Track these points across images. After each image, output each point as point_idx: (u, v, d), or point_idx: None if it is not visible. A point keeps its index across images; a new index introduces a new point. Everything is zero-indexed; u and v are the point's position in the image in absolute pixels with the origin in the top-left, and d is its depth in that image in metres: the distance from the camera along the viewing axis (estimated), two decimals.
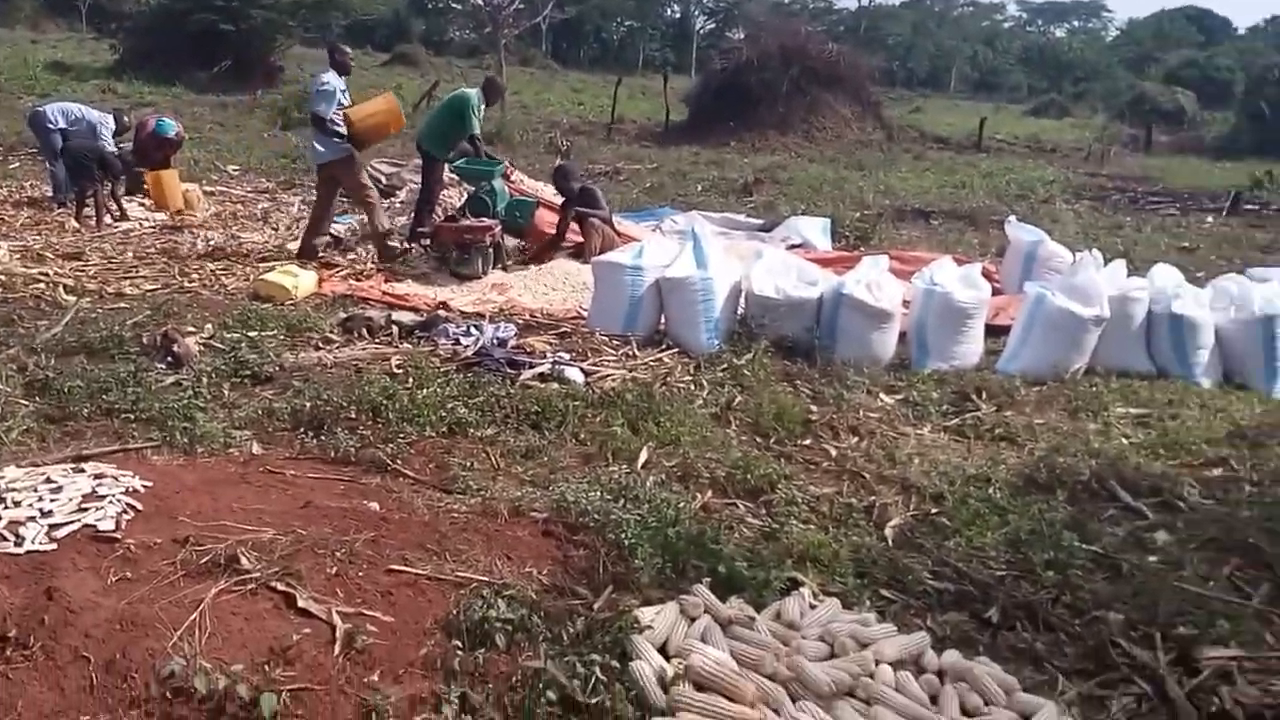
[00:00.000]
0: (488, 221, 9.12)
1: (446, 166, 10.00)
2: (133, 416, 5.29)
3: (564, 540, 4.15)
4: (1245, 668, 3.98)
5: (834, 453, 5.77)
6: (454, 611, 3.42)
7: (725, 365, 6.92)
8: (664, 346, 7.31)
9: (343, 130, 9.00)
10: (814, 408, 6.32)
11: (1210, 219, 15.43)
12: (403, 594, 3.48)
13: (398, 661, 3.17)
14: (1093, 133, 27.79)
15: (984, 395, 6.84)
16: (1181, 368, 7.54)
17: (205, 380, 5.83)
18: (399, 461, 4.92)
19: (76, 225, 10.36)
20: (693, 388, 6.55)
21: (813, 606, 3.93)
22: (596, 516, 4.31)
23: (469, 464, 4.97)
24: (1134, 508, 5.39)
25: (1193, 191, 18.26)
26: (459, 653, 3.23)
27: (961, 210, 14.35)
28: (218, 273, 8.80)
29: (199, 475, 4.44)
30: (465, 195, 9.98)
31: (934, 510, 5.14)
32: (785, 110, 21.99)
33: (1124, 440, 6.35)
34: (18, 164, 13.80)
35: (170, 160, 12.01)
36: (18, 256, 8.85)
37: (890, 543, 4.78)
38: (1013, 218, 10.73)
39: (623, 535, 4.13)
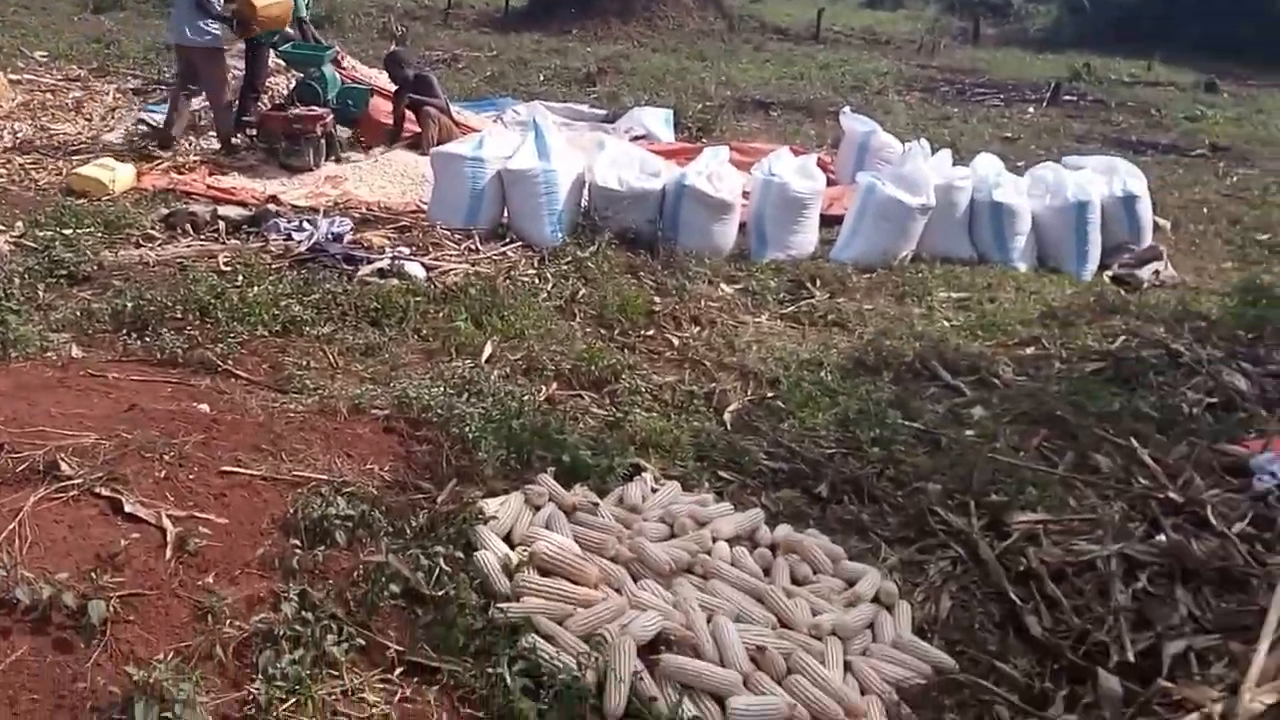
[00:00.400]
0: (318, 110, 8.72)
1: (272, 51, 9.48)
2: None
3: (406, 436, 4.12)
4: (1050, 530, 4.31)
5: (676, 342, 5.88)
6: (291, 510, 3.37)
7: (569, 258, 6.90)
8: (507, 240, 7.23)
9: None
10: (657, 299, 6.40)
11: (1031, 109, 16.03)
12: (237, 495, 3.41)
13: (233, 563, 3.12)
14: (924, 25, 28.26)
15: (818, 283, 7.05)
16: (1000, 253, 7.92)
17: (18, 281, 5.44)
18: (230, 362, 4.77)
19: None
20: (537, 281, 6.53)
21: (654, 490, 4.05)
22: (439, 412, 4.29)
23: (305, 363, 4.85)
24: (953, 386, 5.70)
25: (1016, 83, 18.88)
26: (298, 551, 3.20)
27: (799, 101, 14.51)
28: (27, 167, 8.16)
29: (12, 380, 4.20)
30: (293, 82, 9.50)
31: (770, 394, 5.33)
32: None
33: (946, 323, 6.68)
34: None
35: None
36: None
37: (729, 427, 4.94)
38: (847, 109, 10.93)
39: (466, 429, 4.14)
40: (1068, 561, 4.07)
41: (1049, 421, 5.32)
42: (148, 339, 4.89)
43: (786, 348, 5.99)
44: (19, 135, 9.25)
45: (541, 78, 15.19)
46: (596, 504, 3.78)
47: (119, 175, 7.63)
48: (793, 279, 7.12)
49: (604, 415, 4.83)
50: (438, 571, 3.17)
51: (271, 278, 5.88)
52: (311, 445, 3.83)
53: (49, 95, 11.01)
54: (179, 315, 5.16)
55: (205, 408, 4.04)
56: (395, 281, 6.04)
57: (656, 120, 11.59)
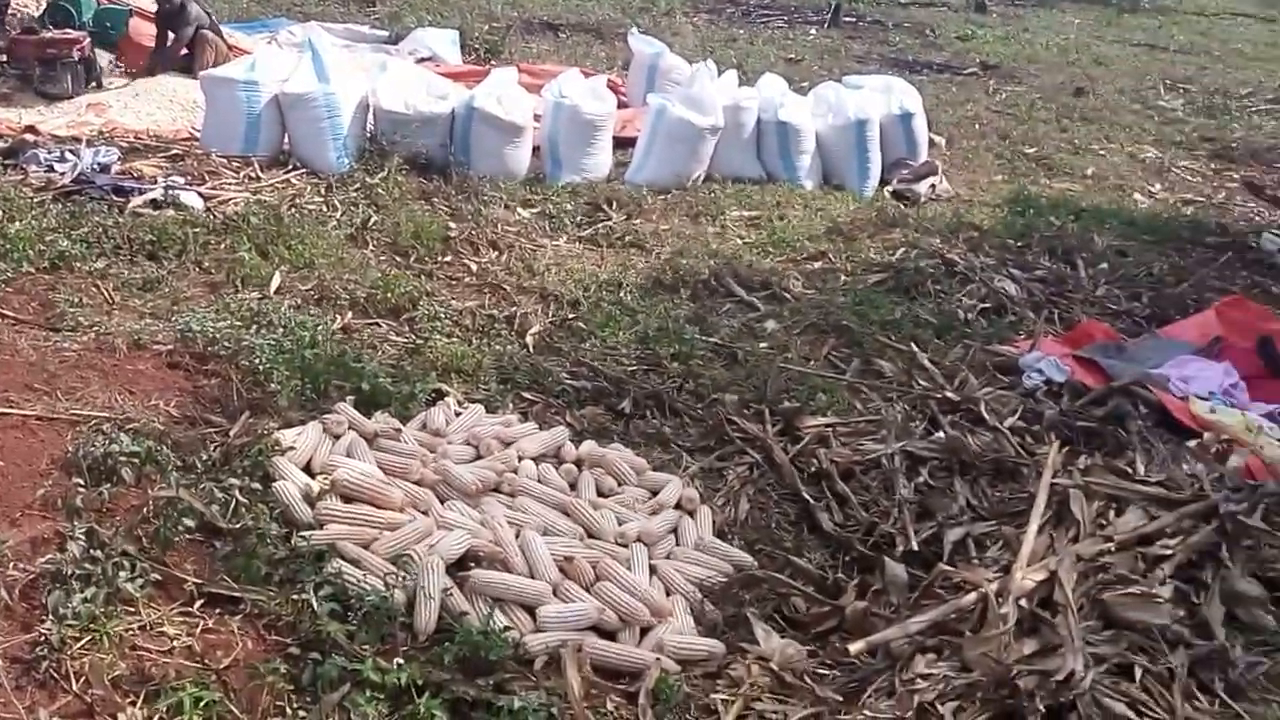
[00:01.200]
0: (73, 33, 8.08)
1: None
2: None
3: (193, 371, 3.99)
4: (839, 432, 4.60)
5: (475, 267, 5.87)
6: (72, 449, 3.23)
7: (358, 185, 6.72)
8: (290, 167, 6.97)
9: None
10: (452, 224, 6.35)
11: (814, 31, 16.52)
12: (10, 437, 3.23)
13: (12, 505, 2.97)
14: None
15: (614, 205, 7.14)
16: (787, 171, 8.21)
17: None
18: None
19: None
20: (325, 209, 6.34)
21: (458, 414, 4.08)
22: (227, 345, 4.17)
23: (78, 300, 4.58)
24: (747, 301, 5.94)
25: (799, 5, 19.37)
26: (81, 490, 3.07)
27: (588, 23, 14.45)
28: None
29: None
30: (44, 3, 8.75)
31: (571, 316, 5.41)
32: None
33: (739, 240, 6.92)
34: None
35: None
36: None
37: (531, 349, 5.00)
38: (635, 31, 10.99)
39: (257, 361, 4.03)
40: (856, 461, 4.36)
41: (836, 331, 5.63)
42: None
43: (586, 269, 6.07)
44: None
45: None
46: (399, 430, 3.78)
47: None
48: (589, 201, 7.18)
49: (403, 342, 4.80)
50: (234, 504, 3.11)
51: (34, 212, 5.48)
52: (89, 383, 3.65)
53: None
54: None
55: None
56: (171, 212, 5.75)
57: (442, 41, 11.31)
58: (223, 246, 5.51)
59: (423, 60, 10.79)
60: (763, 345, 5.40)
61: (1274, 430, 4.96)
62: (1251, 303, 6.48)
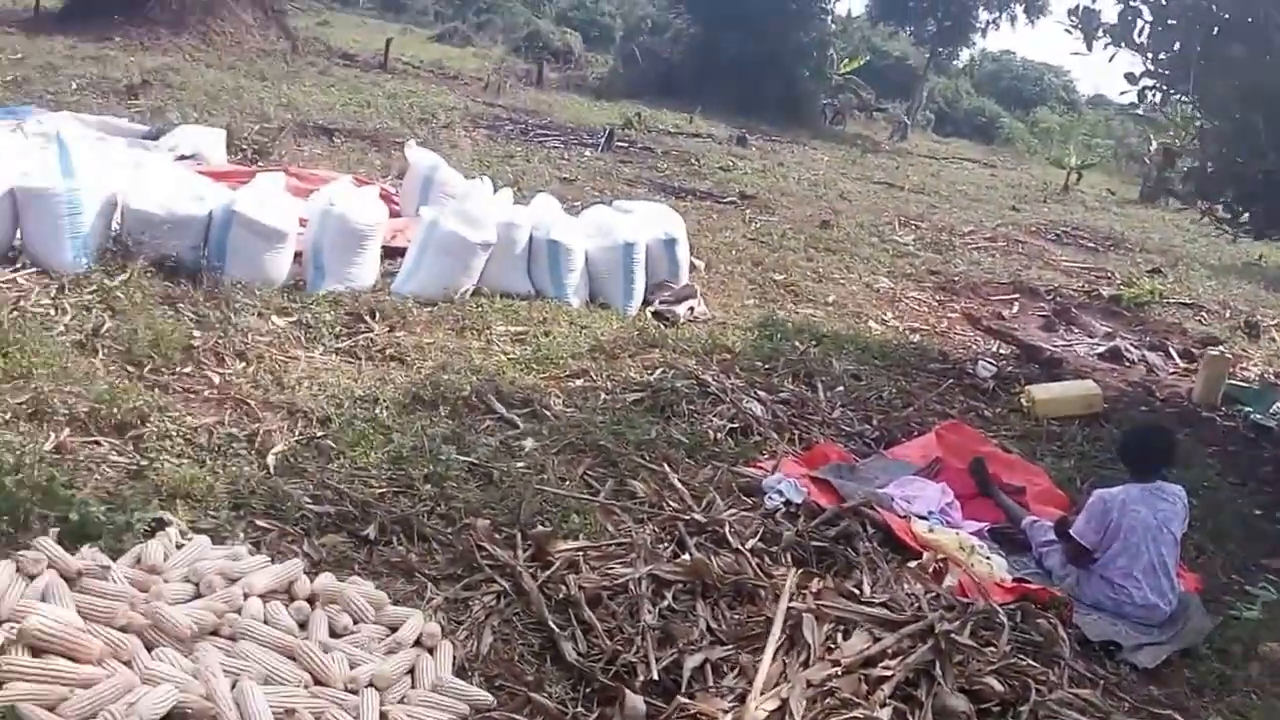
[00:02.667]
0: None
1: None
2: None
3: None
4: (589, 556, 4.49)
5: (218, 380, 5.48)
6: None
7: (95, 288, 6.21)
8: (18, 266, 6.37)
9: None
10: (197, 332, 5.93)
11: (589, 153, 16.90)
12: None
13: None
14: (492, 63, 29.01)
15: (378, 316, 6.90)
16: (556, 289, 8.21)
17: None
18: None
19: None
20: (53, 313, 5.80)
21: (179, 546, 3.71)
22: None
23: None
24: (508, 419, 5.80)
25: (575, 126, 19.86)
26: None
27: (365, 130, 14.22)
28: None
29: None
30: None
31: (320, 434, 5.11)
32: (179, 8, 20.05)
33: (503, 356, 6.80)
34: None
35: None
36: None
37: (271, 470, 4.67)
38: (413, 141, 10.87)
39: None
40: (604, 586, 4.26)
41: (594, 450, 5.57)
42: None
43: (341, 384, 5.78)
44: None
45: (75, 86, 13.70)
46: (107, 567, 3.38)
47: None
48: (351, 312, 6.91)
49: (126, 464, 4.37)
50: None
51: None
52: None
53: None
54: None
55: None
56: None
57: (207, 140, 10.82)
58: None
59: (184, 158, 10.30)
60: (520, 465, 5.26)
61: (984, 548, 5.25)
62: (967, 426, 6.92)
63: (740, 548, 4.71)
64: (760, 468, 5.74)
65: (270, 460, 4.73)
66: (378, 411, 5.48)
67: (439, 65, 26.66)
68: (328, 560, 4.04)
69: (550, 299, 8.08)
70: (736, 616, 4.23)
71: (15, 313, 5.56)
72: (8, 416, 4.48)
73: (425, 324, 7.04)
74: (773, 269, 10.81)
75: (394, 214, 9.06)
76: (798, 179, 18.18)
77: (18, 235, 6.59)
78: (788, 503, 5.28)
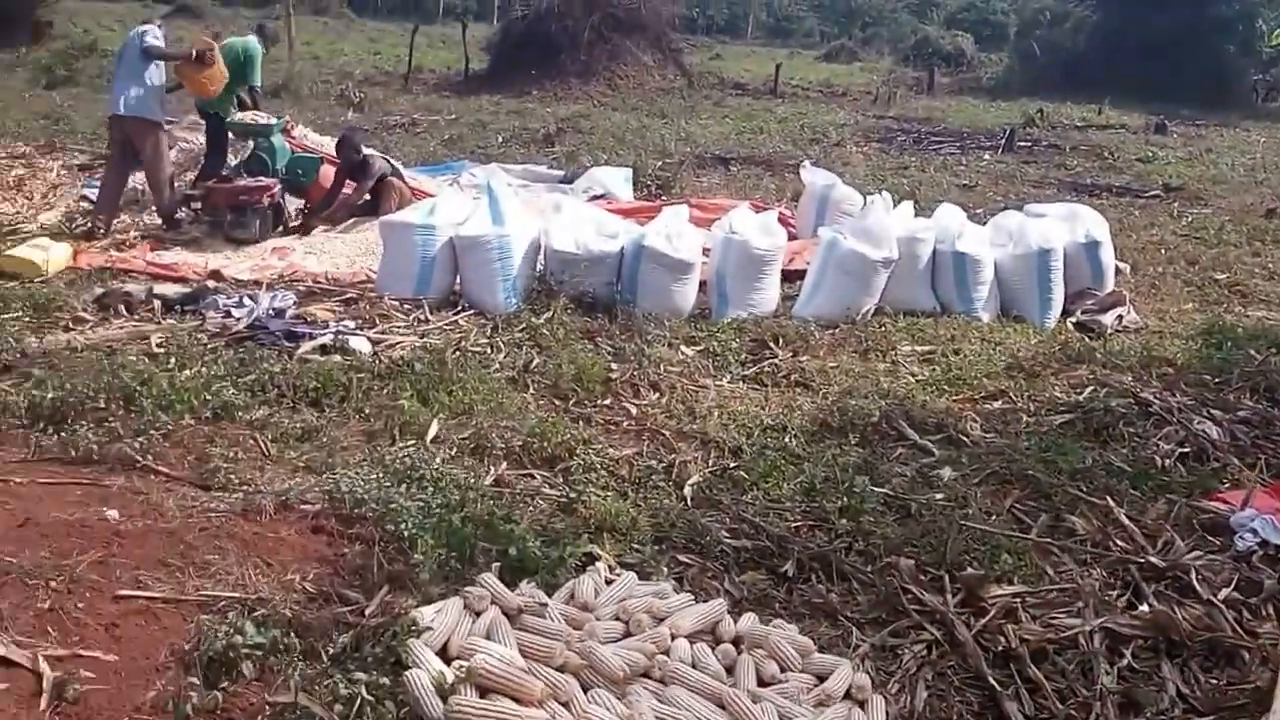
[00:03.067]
0: (265, 181, 8.44)
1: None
2: None
3: (336, 536, 3.78)
4: (1028, 604, 4.02)
5: (634, 411, 5.58)
6: (193, 641, 3.00)
7: (523, 325, 6.62)
8: (459, 309, 6.93)
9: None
10: (614, 365, 6.10)
11: (987, 156, 16.01)
12: (131, 625, 3.03)
13: (120, 708, 2.73)
14: (880, 76, 28.50)
15: (781, 342, 6.79)
16: (963, 303, 7.70)
17: None
18: (150, 456, 4.37)
19: None
20: (489, 351, 6.23)
21: (609, 582, 3.73)
22: (374, 506, 3.94)
23: (234, 454, 4.48)
24: (921, 445, 5.43)
25: (971, 130, 18.94)
26: (194, 692, 2.81)
27: (759, 156, 14.38)
28: None
29: None
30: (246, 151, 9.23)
31: (732, 464, 5.02)
32: (587, 58, 21.55)
33: (911, 378, 6.43)
34: None
35: None
36: None
37: (689, 502, 4.63)
38: (808, 162, 10.78)
39: (403, 526, 3.78)
40: (1048, 639, 3.78)
41: (1021, 481, 5.06)
42: (64, 434, 4.52)
43: (749, 412, 5.70)
44: None
45: (500, 139, 15.02)
46: (545, 604, 3.44)
47: (53, 255, 7.27)
48: (755, 338, 6.85)
49: (556, 496, 4.51)
50: (359, 701, 2.80)
51: (206, 359, 5.55)
52: (226, 555, 3.46)
53: None
54: (101, 405, 4.79)
55: (113, 514, 3.67)
56: (338, 358, 5.71)
57: (615, 179, 11.40)
58: (385, 393, 5.41)
59: (596, 198, 10.88)
60: (939, 497, 4.87)
61: None
62: None
63: (1211, 598, 4.02)
64: (1225, 501, 4.91)
65: (687, 491, 4.70)
66: (787, 440, 5.32)
67: (827, 84, 26.62)
68: (748, 599, 3.91)
69: (958, 314, 7.59)
70: (1214, 681, 3.60)
71: (457, 352, 6.00)
72: (454, 452, 4.79)
73: (828, 347, 6.83)
74: (1212, 268, 9.54)
75: (791, 237, 8.95)
76: (1231, 165, 16.10)
77: (457, 281, 7.18)
78: (1264, 543, 4.47)
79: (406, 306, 6.85)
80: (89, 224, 8.35)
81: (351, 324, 6.25)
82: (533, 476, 4.70)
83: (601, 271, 7.21)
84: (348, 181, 9.07)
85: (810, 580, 4.12)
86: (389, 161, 9.39)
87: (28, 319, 6.14)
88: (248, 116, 8.95)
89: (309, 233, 8.77)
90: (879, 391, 6.06)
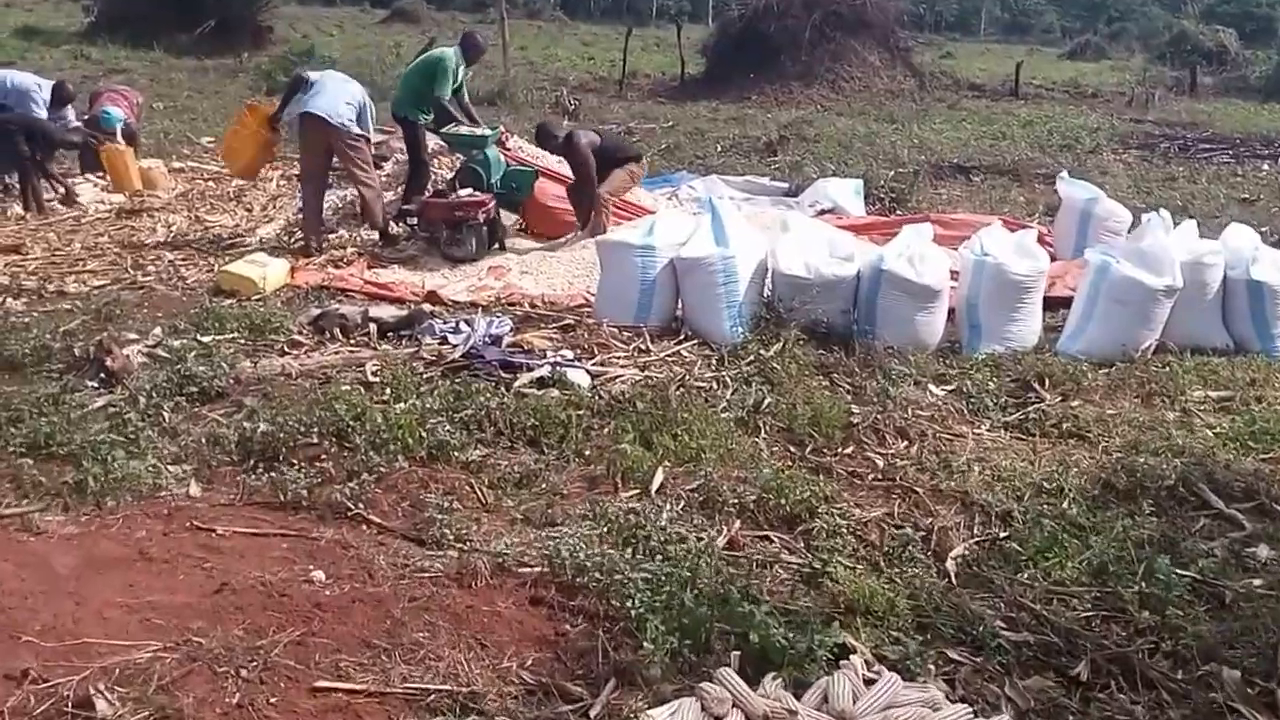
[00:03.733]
0: (480, 196, 8.41)
1: (430, 135, 9.30)
2: (46, 453, 4.57)
3: (557, 609, 3.48)
4: None
5: (881, 463, 5.09)
6: None
7: (751, 358, 6.23)
8: (682, 337, 6.62)
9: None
10: (855, 407, 5.63)
11: (1266, 166, 14.56)
12: None
13: None
14: (1134, 75, 26.68)
15: (1047, 383, 6.13)
16: (1263, 341, 6.84)
17: (142, 401, 5.11)
18: (362, 504, 4.23)
19: (21, 213, 9.52)
20: (715, 386, 5.87)
21: (868, 682, 3.27)
22: (597, 576, 3.63)
23: (448, 503, 4.28)
24: (1228, 515, 4.72)
25: (1243, 136, 17.35)
26: None
27: (1004, 164, 13.51)
28: (177, 264, 8.07)
29: (81, 554, 3.72)
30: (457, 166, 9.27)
31: (1002, 534, 4.46)
32: (809, 59, 21.03)
33: (1208, 431, 5.67)
34: None
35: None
36: None
37: (953, 579, 4.11)
38: (1065, 173, 9.94)
39: (629, 604, 3.44)
40: None
41: None
42: (275, 473, 4.44)
43: (1015, 468, 5.10)
44: (172, 228, 9.22)
45: (719, 148, 14.73)
46: (795, 711, 3.02)
47: (270, 272, 7.42)
48: (1015, 378, 6.22)
49: (798, 565, 4.09)
50: None
51: (423, 389, 5.43)
52: (436, 634, 3.21)
53: (210, 184, 11.12)
54: (313, 441, 4.71)
55: (319, 575, 3.50)
56: (556, 392, 5.48)
57: (845, 192, 10.89)
58: (606, 432, 5.14)
59: (824, 212, 10.43)
60: (1257, 584, 4.16)
61: None
62: None
63: None
64: None
65: (950, 566, 4.18)
66: (1065, 505, 4.70)
67: (1073, 84, 25.11)
68: (1035, 710, 3.37)
69: (1256, 353, 6.72)
70: None
71: (681, 389, 5.67)
72: (681, 505, 4.45)
73: (1104, 390, 6.13)
74: None
75: (1050, 258, 8.21)
76: None
77: (678, 306, 6.88)
78: None
79: (626, 334, 6.59)
80: (305, 240, 8.53)
81: (569, 354, 6.02)
82: (769, 539, 4.30)
83: (835, 298, 6.74)
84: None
85: (1109, 687, 3.53)
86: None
87: (243, 340, 6.22)
88: (462, 128, 8.95)
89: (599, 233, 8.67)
90: (1171, 447, 5.34)
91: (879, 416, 5.54)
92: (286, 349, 6.16)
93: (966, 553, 4.30)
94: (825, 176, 11.79)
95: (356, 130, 8.34)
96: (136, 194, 10.28)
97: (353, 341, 6.29)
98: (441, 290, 7.60)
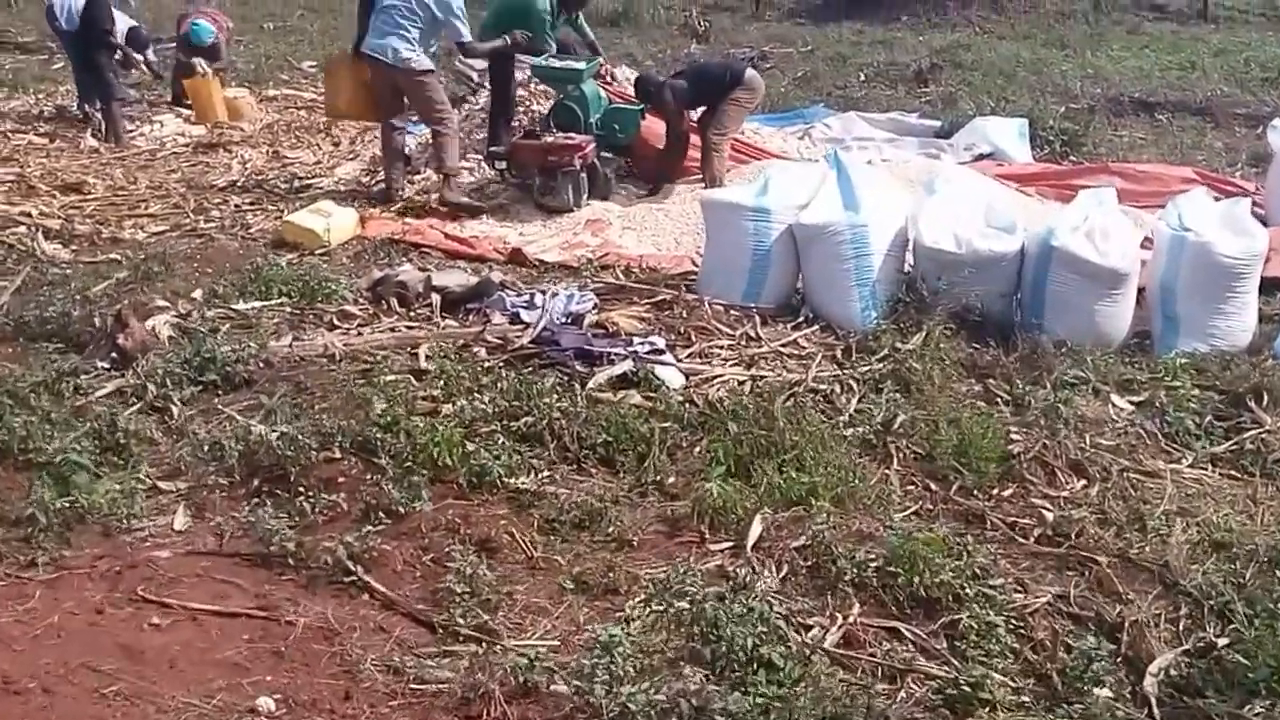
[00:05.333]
0: (576, 139, 7.39)
1: (519, 67, 8.29)
2: (21, 460, 3.81)
3: None
4: None
5: (1050, 514, 3.98)
6: None
7: (885, 351, 5.15)
8: (800, 320, 5.57)
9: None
10: (1015, 429, 4.53)
11: None
12: None
13: None
14: None
15: (1266, 401, 4.86)
16: None
17: (151, 390, 4.34)
18: (369, 560, 3.35)
19: (94, 144, 8.94)
20: (837, 391, 4.82)
21: None
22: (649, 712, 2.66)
23: (480, 560, 3.37)
24: None
25: None
26: None
27: (1194, 101, 11.76)
28: (243, 208, 7.32)
29: None
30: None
31: (1218, 637, 3.34)
32: None
33: None
34: (63, 63, 11.90)
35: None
36: (2, 191, 7.50)
37: (1154, 711, 3.04)
38: (1277, 121, 8.38)
39: None
40: None
41: None
42: (275, 502, 3.60)
43: (1231, 525, 3.94)
44: (248, 166, 8.49)
45: (862, 77, 13.33)
46: None
47: (335, 224, 6.57)
48: (1223, 389, 4.97)
49: (938, 676, 3.08)
50: None
51: (479, 385, 4.52)
52: None
53: (303, 113, 10.36)
54: (335, 455, 3.88)
55: (268, 705, 2.62)
56: (637, 398, 4.51)
57: (1006, 133, 9.51)
58: (695, 451, 4.18)
59: (981, 158, 9.13)
60: None
61: None
62: None
63: None
64: None
65: (1149, 689, 3.10)
66: None
67: (1272, 6, 22.47)
68: None
69: None
70: None
71: (791, 399, 4.63)
72: (784, 571, 3.47)
73: None
74: None
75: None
76: None
77: (798, 282, 5.83)
78: None
79: (732, 315, 5.57)
80: (385, 183, 7.69)
81: (660, 341, 5.01)
82: (898, 631, 3.29)
83: (993, 278, 5.56)
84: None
85: None
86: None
87: (289, 309, 5.40)
88: (554, 60, 7.90)
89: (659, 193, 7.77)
90: None
91: (1047, 443, 4.42)
92: (336, 321, 5.32)
93: (1170, 668, 3.21)
94: (983, 114, 10.40)
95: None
96: (218, 125, 9.62)
97: (412, 315, 5.41)
98: (528, 248, 6.68)
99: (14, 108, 10.20)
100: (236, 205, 7.38)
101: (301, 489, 3.68)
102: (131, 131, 9.25)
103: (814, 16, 19.55)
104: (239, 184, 7.95)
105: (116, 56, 9.51)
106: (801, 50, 15.52)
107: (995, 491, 4.13)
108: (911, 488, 4.13)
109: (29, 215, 6.87)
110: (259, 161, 8.61)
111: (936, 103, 11.57)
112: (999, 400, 4.84)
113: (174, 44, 10.74)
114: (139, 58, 9.44)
